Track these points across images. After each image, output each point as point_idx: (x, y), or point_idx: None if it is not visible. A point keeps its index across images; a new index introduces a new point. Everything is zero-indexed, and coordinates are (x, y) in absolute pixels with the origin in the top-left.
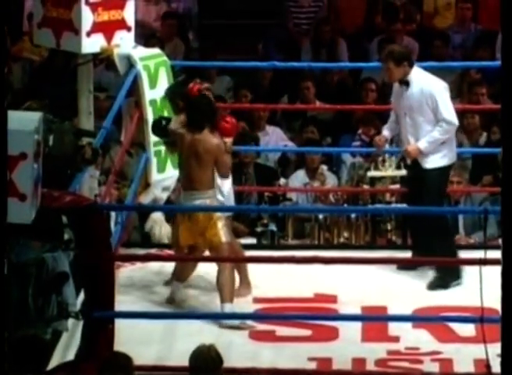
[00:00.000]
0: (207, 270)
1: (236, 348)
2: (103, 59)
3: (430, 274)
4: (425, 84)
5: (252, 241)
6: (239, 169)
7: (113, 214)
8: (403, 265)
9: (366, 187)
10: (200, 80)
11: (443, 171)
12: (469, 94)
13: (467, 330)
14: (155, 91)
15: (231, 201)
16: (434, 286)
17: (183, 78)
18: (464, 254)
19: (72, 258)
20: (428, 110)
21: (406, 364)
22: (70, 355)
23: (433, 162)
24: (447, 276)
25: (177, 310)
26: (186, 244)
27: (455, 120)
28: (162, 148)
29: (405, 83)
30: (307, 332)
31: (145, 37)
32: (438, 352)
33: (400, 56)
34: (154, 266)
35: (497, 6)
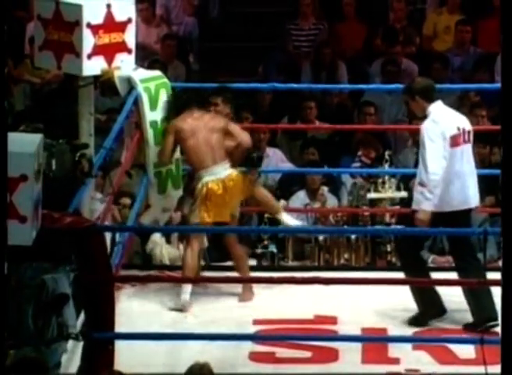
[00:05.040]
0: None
1: (235, 369)
2: (103, 83)
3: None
4: (426, 123)
5: (252, 262)
6: None
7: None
8: None
9: (366, 208)
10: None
11: (450, 217)
12: (469, 116)
13: (467, 351)
14: (156, 113)
15: None
16: (411, 322)
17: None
18: None
19: (73, 279)
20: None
21: None
22: None
23: (440, 207)
24: (427, 315)
25: (178, 331)
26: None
27: (435, 175)
28: (163, 169)
29: (424, 117)
30: (307, 354)
31: (146, 59)
32: (438, 374)
33: (414, 90)
34: (155, 287)
35: (496, 29)
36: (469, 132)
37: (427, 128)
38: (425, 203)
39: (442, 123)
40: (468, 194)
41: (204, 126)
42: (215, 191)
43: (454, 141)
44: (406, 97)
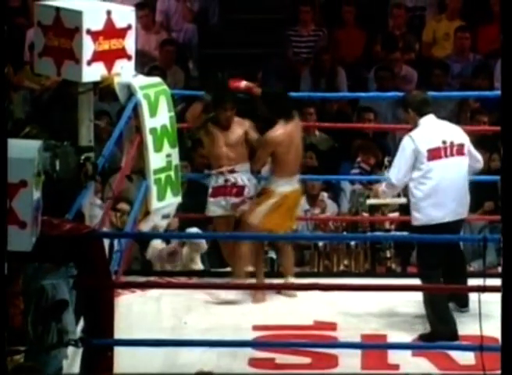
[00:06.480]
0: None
1: None
2: (102, 89)
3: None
4: (405, 137)
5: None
6: None
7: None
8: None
9: (365, 214)
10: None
11: (427, 231)
12: (470, 123)
13: (467, 358)
14: (155, 120)
15: None
16: (421, 337)
17: (183, 106)
18: None
19: (72, 285)
20: None
21: None
22: None
23: (417, 220)
24: (437, 335)
25: (177, 337)
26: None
27: (394, 181)
28: (162, 175)
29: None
30: (306, 360)
31: (145, 65)
32: (435, 374)
33: (406, 103)
34: (154, 293)
35: (496, 36)
36: (461, 145)
37: (403, 142)
38: (383, 187)
39: (419, 138)
40: (448, 207)
41: (296, 139)
42: (292, 201)
43: (433, 154)
44: (402, 109)
